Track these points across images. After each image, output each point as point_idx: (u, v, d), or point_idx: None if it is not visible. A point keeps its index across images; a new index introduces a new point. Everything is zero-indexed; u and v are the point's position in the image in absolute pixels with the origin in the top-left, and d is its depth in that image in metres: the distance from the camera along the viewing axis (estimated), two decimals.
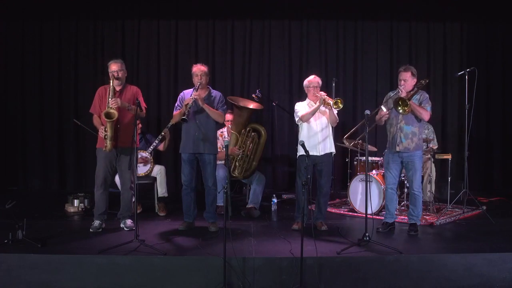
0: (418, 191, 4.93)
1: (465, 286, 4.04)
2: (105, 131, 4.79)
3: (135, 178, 4.72)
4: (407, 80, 4.86)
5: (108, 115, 4.75)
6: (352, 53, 7.72)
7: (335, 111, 5.01)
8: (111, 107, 4.76)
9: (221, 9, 7.59)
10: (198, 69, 4.98)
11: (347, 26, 7.72)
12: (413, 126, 4.88)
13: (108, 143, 4.79)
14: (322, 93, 5.01)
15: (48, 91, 7.56)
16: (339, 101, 4.83)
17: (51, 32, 7.54)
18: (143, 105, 4.96)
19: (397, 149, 4.92)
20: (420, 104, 4.86)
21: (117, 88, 4.95)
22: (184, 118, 4.76)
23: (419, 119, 4.89)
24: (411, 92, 4.82)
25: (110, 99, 4.79)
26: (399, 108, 4.68)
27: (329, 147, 5.10)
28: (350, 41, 7.71)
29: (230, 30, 7.65)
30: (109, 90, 4.84)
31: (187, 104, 4.78)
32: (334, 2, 7.58)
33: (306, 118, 5.02)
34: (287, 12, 7.62)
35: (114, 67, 4.95)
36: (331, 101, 4.87)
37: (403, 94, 4.78)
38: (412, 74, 4.88)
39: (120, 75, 4.93)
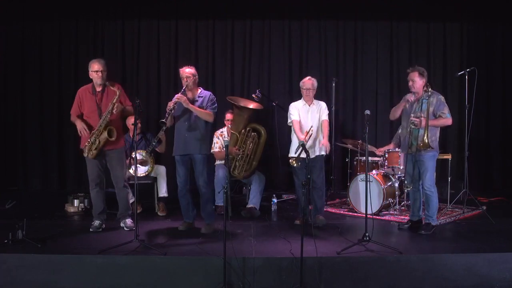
0: (430, 190, 4.89)
1: (465, 286, 4.04)
2: (96, 140, 4.73)
3: (136, 176, 4.60)
4: (415, 81, 4.89)
5: (111, 134, 4.70)
6: (352, 53, 7.71)
7: (327, 117, 5.27)
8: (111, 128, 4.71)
9: (221, 9, 7.58)
10: (183, 71, 4.89)
11: (347, 26, 7.70)
12: (423, 129, 4.85)
13: (94, 153, 4.75)
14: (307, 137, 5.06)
15: (48, 91, 7.55)
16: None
17: (51, 32, 7.53)
18: (129, 103, 4.92)
19: (409, 151, 4.95)
20: (435, 114, 4.83)
21: (98, 89, 4.79)
22: (162, 121, 4.66)
23: None
24: (427, 112, 4.78)
25: (112, 110, 4.69)
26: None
27: (318, 150, 5.20)
28: (350, 41, 7.70)
29: (230, 30, 7.64)
30: (110, 108, 4.70)
31: (169, 107, 4.67)
32: (334, 2, 7.57)
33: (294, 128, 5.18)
34: (287, 12, 7.61)
35: (96, 66, 4.72)
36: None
37: (422, 124, 4.76)
38: (420, 74, 4.89)
39: (103, 76, 4.74)
